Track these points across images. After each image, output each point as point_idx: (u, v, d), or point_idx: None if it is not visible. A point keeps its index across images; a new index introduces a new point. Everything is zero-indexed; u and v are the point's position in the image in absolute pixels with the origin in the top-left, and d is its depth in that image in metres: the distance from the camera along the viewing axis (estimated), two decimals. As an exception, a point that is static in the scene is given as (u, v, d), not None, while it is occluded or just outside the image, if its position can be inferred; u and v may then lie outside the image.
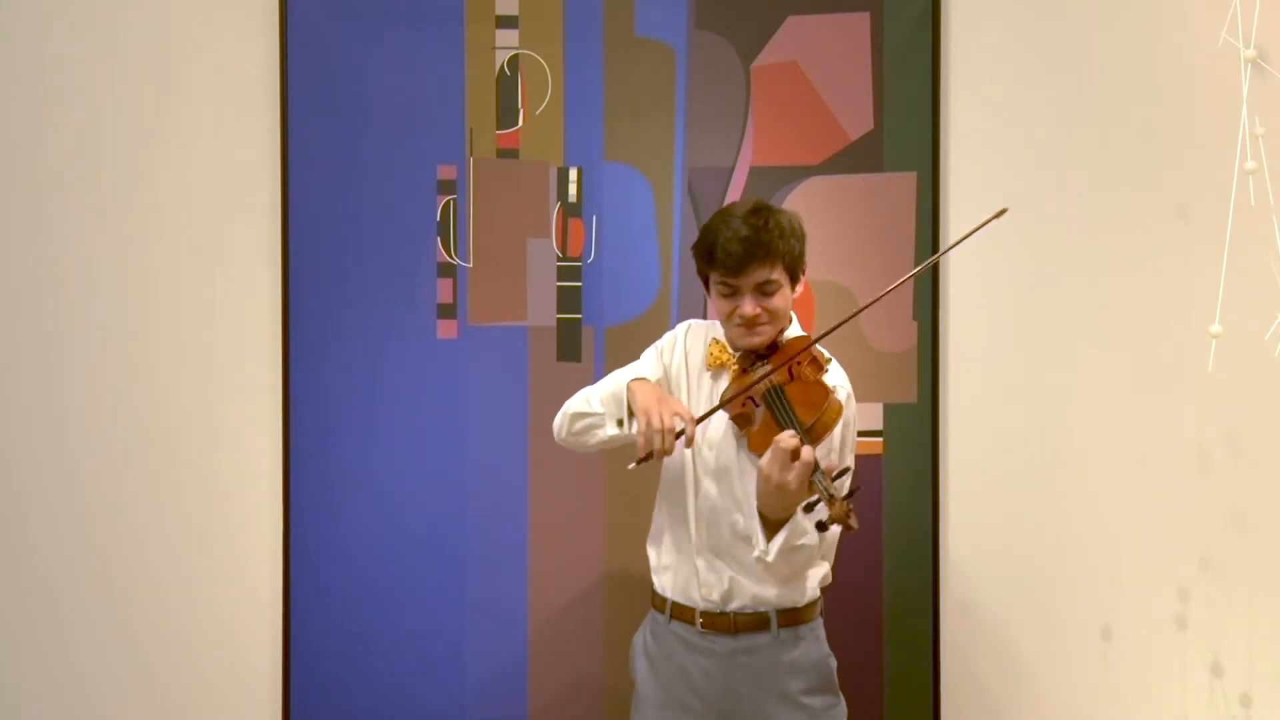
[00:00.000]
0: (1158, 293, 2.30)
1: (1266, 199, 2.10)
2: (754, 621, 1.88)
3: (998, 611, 2.36)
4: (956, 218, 2.34)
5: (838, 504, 1.64)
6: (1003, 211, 1.82)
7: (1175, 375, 2.29)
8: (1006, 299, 2.35)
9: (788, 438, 1.67)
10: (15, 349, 2.44)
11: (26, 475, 2.44)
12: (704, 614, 1.89)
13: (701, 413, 1.86)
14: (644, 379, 1.91)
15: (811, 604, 1.93)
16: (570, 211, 2.40)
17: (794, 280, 1.89)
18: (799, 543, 1.77)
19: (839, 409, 1.80)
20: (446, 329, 2.40)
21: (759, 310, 1.84)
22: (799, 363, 1.82)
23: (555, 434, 2.01)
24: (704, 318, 2.36)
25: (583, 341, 2.39)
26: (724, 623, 1.89)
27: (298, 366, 2.39)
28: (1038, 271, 2.34)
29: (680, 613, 1.92)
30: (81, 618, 2.44)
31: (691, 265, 2.34)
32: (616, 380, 1.94)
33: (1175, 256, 2.29)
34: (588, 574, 2.39)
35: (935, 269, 2.34)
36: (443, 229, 2.40)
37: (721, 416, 1.87)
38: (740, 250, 1.80)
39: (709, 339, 1.99)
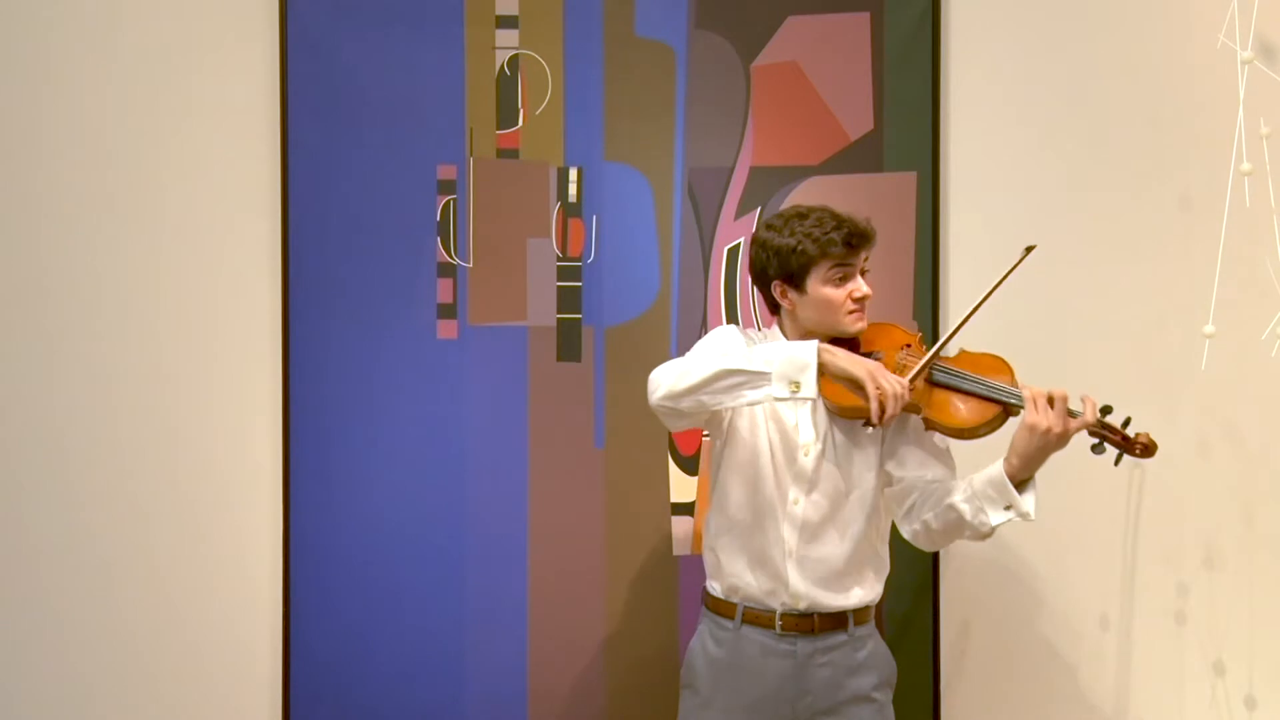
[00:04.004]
0: (1158, 292, 2.31)
1: (1267, 200, 2.11)
2: (833, 621, 1.91)
3: (998, 611, 2.37)
4: (957, 218, 2.35)
5: (1141, 435, 1.76)
6: (1031, 248, 1.92)
7: (1176, 373, 2.30)
8: (1006, 299, 2.35)
9: (1060, 392, 1.73)
10: (15, 348, 2.43)
11: (26, 475, 2.43)
12: (784, 616, 1.90)
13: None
14: (827, 345, 1.84)
15: (878, 602, 1.98)
16: (570, 211, 2.40)
17: None
18: None
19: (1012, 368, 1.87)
20: (446, 329, 2.40)
21: (868, 291, 1.92)
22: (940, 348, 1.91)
23: (664, 390, 1.83)
24: (703, 318, 2.37)
25: (583, 341, 2.39)
26: (806, 624, 1.90)
27: (297, 366, 2.39)
28: (1037, 271, 2.34)
29: (755, 618, 1.92)
30: (81, 617, 2.43)
31: (692, 264, 2.37)
32: (751, 351, 1.83)
33: (1175, 256, 2.30)
34: (588, 574, 2.39)
35: (935, 269, 2.34)
36: (443, 229, 2.40)
37: (815, 420, 1.92)
38: (859, 230, 1.90)
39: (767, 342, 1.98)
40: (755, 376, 1.78)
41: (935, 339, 2.33)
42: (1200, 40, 2.23)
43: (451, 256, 2.40)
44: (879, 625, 2.32)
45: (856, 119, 2.36)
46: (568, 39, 2.39)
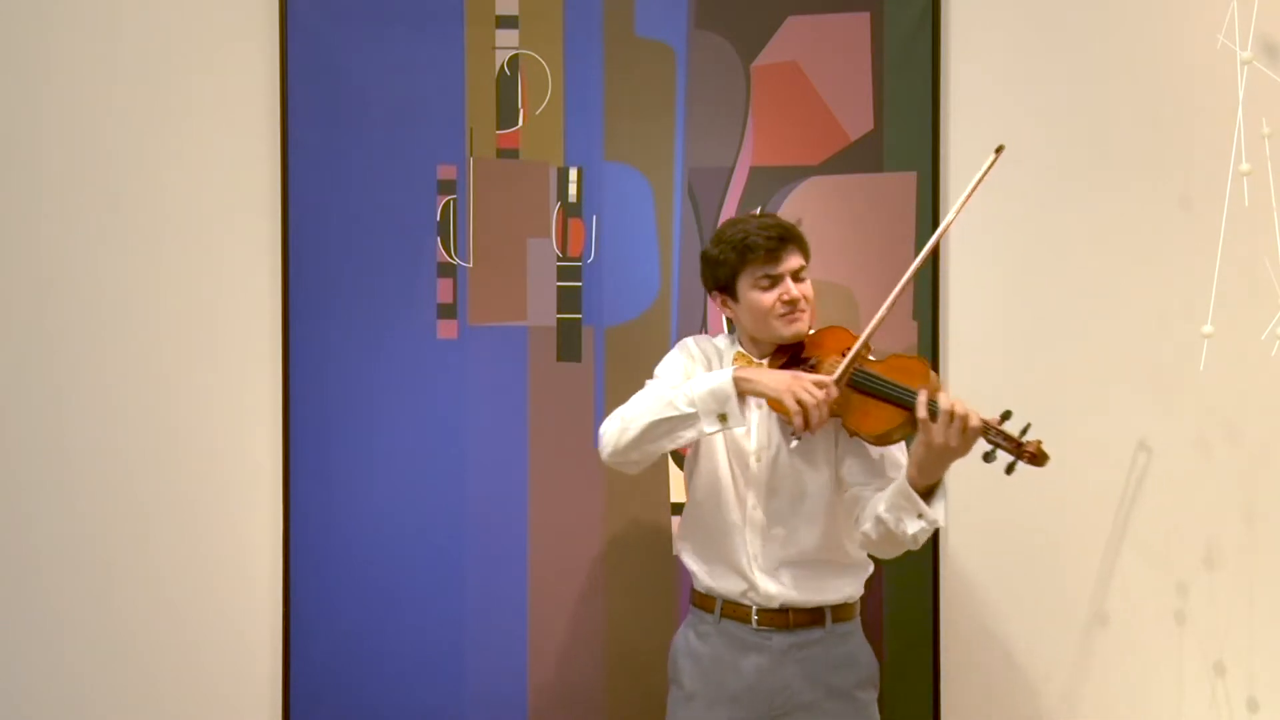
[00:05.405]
0: (1159, 291, 2.31)
1: (1266, 200, 2.11)
2: (810, 617, 1.92)
3: (998, 611, 2.37)
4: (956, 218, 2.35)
5: (1030, 444, 1.69)
6: (1000, 148, 1.84)
7: (1176, 372, 2.29)
8: (1006, 298, 2.36)
9: (958, 404, 1.68)
10: (15, 349, 2.43)
11: (26, 475, 2.43)
12: (761, 611, 1.92)
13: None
14: (744, 369, 1.87)
15: (859, 600, 1.98)
16: (570, 211, 2.40)
17: None
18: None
19: (935, 374, 1.83)
20: (446, 329, 2.40)
21: (800, 294, 1.90)
22: (857, 351, 1.86)
23: (610, 449, 1.88)
24: (703, 318, 2.38)
25: (583, 341, 2.39)
26: (781, 619, 1.91)
27: (298, 366, 2.39)
28: (1038, 270, 2.35)
29: (733, 611, 1.94)
30: (82, 617, 2.43)
31: (692, 264, 2.36)
32: (678, 389, 1.86)
33: (1176, 255, 2.30)
34: (588, 574, 2.39)
35: (935, 268, 2.34)
36: (443, 229, 2.40)
37: (765, 427, 1.91)
38: (778, 234, 1.89)
39: (725, 350, 2.01)
40: (684, 419, 1.83)
41: (934, 340, 2.34)
42: (1200, 40, 2.23)
43: (451, 256, 2.40)
44: (878, 625, 2.33)
45: (856, 119, 2.36)
46: (568, 39, 2.40)
